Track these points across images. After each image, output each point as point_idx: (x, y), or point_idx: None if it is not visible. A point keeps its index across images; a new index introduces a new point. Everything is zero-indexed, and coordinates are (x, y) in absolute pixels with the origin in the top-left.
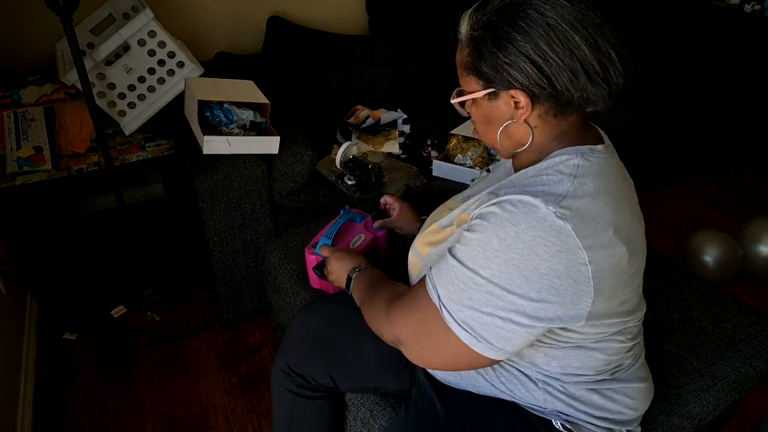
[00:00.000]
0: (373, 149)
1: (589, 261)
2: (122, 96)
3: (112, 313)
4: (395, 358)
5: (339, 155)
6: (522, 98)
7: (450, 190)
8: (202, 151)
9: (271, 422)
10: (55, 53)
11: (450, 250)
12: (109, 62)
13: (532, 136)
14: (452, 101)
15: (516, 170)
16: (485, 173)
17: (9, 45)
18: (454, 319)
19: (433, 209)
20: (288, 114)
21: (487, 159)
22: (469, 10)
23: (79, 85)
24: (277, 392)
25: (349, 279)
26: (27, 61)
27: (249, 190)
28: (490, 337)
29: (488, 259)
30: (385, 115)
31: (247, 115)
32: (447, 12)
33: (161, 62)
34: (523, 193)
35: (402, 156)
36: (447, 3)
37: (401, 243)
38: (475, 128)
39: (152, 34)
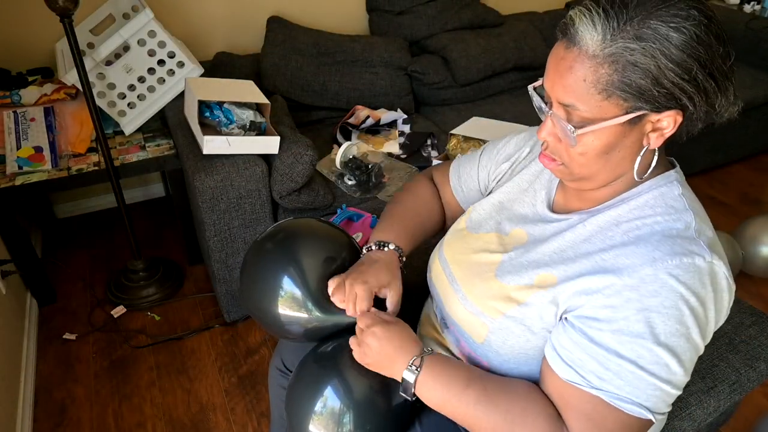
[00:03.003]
0: (373, 149)
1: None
2: (122, 96)
3: (112, 313)
4: None
5: (339, 155)
6: (677, 118)
7: None
8: (202, 151)
9: (271, 421)
10: (55, 53)
11: (621, 350)
12: (109, 62)
13: (655, 162)
14: (577, 133)
15: (580, 195)
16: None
17: (9, 45)
18: (654, 414)
19: None
20: (288, 114)
21: None
22: (593, 19)
23: (79, 85)
24: (274, 390)
25: (415, 372)
26: (27, 61)
27: (249, 190)
28: (664, 408)
29: (680, 345)
30: (385, 115)
31: (247, 115)
32: (446, 12)
33: (161, 62)
34: (668, 254)
35: (402, 156)
36: (446, 3)
37: None
38: (563, 158)
39: (152, 34)
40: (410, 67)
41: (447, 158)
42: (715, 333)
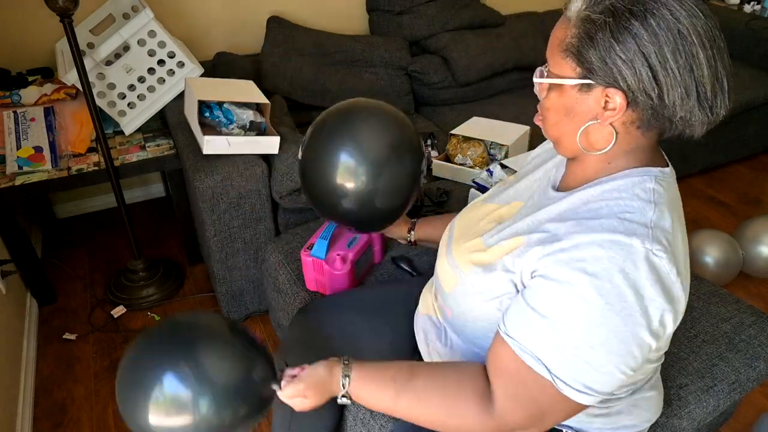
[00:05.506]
0: None
1: (682, 292)
2: (122, 96)
3: (112, 313)
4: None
5: None
6: (619, 100)
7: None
8: (202, 151)
9: (271, 422)
10: (55, 53)
11: (539, 309)
12: (109, 62)
13: (614, 143)
14: (536, 80)
15: (572, 175)
16: (485, 171)
17: (9, 45)
18: (573, 388)
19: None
20: (288, 114)
21: (487, 159)
22: None
23: (79, 85)
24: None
25: (343, 386)
26: (27, 61)
27: (249, 190)
28: (606, 389)
29: (603, 315)
30: None
31: (247, 115)
32: (446, 12)
33: (161, 62)
34: (609, 230)
35: None
36: (446, 3)
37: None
38: (541, 114)
39: (152, 34)
40: (410, 67)
41: (447, 158)
42: (715, 333)
